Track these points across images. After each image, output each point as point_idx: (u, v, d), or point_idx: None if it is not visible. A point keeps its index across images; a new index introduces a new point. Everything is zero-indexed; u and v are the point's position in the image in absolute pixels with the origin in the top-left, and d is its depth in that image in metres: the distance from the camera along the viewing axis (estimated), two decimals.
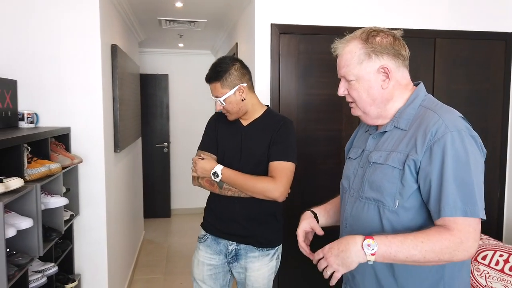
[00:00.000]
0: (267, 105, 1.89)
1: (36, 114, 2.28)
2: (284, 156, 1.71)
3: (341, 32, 2.53)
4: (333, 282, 1.05)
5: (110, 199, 2.57)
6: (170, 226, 5.29)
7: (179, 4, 3.15)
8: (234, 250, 1.78)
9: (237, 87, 1.71)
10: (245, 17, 3.01)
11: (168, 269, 3.89)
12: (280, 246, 1.86)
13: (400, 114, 1.16)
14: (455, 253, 0.99)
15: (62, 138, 2.27)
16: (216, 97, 1.73)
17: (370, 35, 1.14)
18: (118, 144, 2.77)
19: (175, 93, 5.61)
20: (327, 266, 1.05)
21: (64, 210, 2.16)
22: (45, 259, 1.92)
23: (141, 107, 5.00)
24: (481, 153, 1.08)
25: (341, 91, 1.21)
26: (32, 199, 1.63)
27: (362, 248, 1.00)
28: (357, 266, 1.14)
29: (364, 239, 1.01)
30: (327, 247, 1.06)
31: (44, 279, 1.77)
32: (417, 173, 1.07)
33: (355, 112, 1.23)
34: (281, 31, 2.52)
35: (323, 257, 1.06)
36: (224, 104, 1.72)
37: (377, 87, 1.14)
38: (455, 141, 1.03)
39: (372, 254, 1.00)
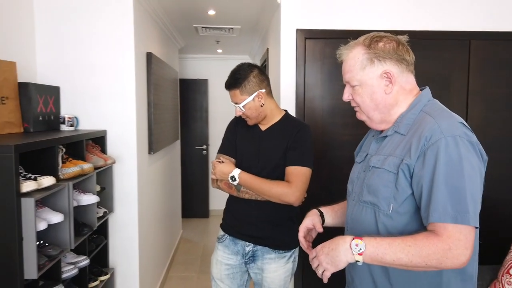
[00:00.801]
0: (285, 110, 1.92)
1: (76, 118, 2.48)
2: (301, 161, 1.74)
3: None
4: (324, 280, 1.09)
5: (142, 198, 2.72)
6: (207, 227, 5.45)
7: (211, 12, 3.27)
8: (251, 251, 1.83)
9: (256, 93, 1.76)
10: (274, 22, 3.06)
11: (202, 268, 4.02)
12: (297, 249, 1.88)
13: (401, 119, 1.16)
14: (443, 260, 0.97)
15: (99, 140, 2.45)
16: (236, 103, 1.79)
17: (373, 40, 1.15)
18: (152, 146, 2.93)
19: (214, 97, 5.77)
20: (319, 265, 1.07)
21: (98, 207, 2.33)
22: (79, 252, 2.09)
23: (181, 111, 5.22)
24: (480, 160, 1.06)
25: (346, 96, 1.23)
26: (65, 196, 1.78)
27: (350, 247, 1.02)
28: (356, 269, 1.15)
29: (353, 239, 1.03)
30: (320, 246, 1.09)
31: (75, 271, 1.92)
32: (412, 178, 1.07)
33: (360, 116, 1.24)
34: (306, 36, 2.54)
35: (316, 256, 1.09)
36: (244, 110, 1.78)
37: (380, 92, 1.15)
38: (449, 146, 1.01)
39: (359, 254, 1.01)
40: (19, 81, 2.10)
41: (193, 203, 5.68)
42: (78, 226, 2.00)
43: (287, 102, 2.58)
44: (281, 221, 1.82)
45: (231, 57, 5.64)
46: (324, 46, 2.56)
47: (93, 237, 2.37)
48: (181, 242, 4.71)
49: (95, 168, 2.17)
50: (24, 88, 2.10)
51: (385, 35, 1.17)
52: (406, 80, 1.16)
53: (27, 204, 1.46)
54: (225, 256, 1.87)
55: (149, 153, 2.93)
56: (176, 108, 4.27)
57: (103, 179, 2.44)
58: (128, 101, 2.53)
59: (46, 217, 1.62)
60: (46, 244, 1.69)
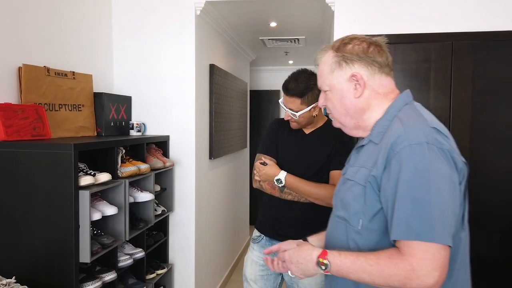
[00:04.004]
0: (327, 115, 1.92)
1: (144, 124, 2.75)
2: None
3: (425, 38, 2.41)
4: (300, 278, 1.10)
5: (200, 200, 2.89)
6: None
7: (273, 24, 3.37)
8: None
9: (314, 105, 1.77)
10: (332, 31, 3.06)
11: None
12: None
13: (375, 126, 1.08)
14: (406, 282, 0.88)
15: (162, 145, 2.68)
16: (291, 109, 1.79)
17: (342, 43, 1.10)
18: (213, 152, 3.10)
19: None
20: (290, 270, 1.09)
21: (158, 206, 2.54)
22: (137, 245, 2.30)
23: (253, 120, 5.40)
24: (453, 169, 0.94)
25: (321, 102, 1.18)
26: (121, 192, 2.00)
27: (317, 265, 1.01)
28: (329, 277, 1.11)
29: (318, 257, 1.01)
30: (287, 255, 1.09)
31: (130, 261, 2.12)
32: (380, 191, 0.98)
33: (335, 123, 1.19)
34: None
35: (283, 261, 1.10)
36: (297, 117, 1.79)
37: (349, 96, 1.08)
38: (415, 155, 0.92)
39: (326, 272, 1.00)
40: (94, 91, 2.41)
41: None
42: (135, 221, 2.21)
43: None
44: (321, 224, 1.80)
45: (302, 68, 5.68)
46: None
47: (153, 233, 2.58)
48: (247, 247, 4.82)
49: (154, 169, 2.38)
50: (98, 97, 2.41)
51: (356, 36, 1.10)
52: (379, 83, 1.07)
53: (84, 196, 1.68)
54: (260, 257, 1.90)
55: (210, 158, 3.10)
56: (244, 117, 4.44)
57: (164, 180, 2.66)
58: (189, 109, 2.73)
59: (102, 209, 1.84)
60: (102, 233, 1.90)
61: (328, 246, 1.16)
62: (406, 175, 0.91)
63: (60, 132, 2.08)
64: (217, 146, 3.19)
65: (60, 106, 2.11)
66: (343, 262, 0.97)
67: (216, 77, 3.13)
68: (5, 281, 1.48)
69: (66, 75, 2.15)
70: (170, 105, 2.74)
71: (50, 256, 1.67)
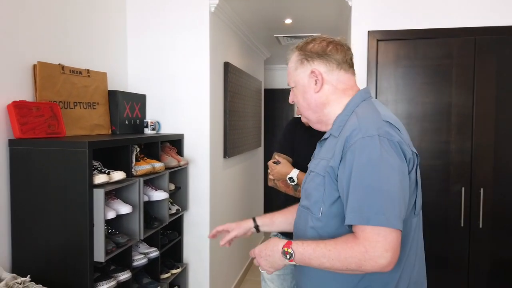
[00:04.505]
0: None
1: (158, 122, 2.73)
2: None
3: (447, 33, 2.33)
4: (269, 273, 1.14)
5: (215, 199, 2.86)
6: None
7: (288, 21, 3.32)
8: None
9: None
10: (349, 27, 2.99)
11: None
12: None
13: (335, 121, 1.16)
14: (361, 263, 0.95)
15: (176, 143, 2.65)
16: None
17: (305, 43, 1.19)
18: (227, 151, 3.07)
19: None
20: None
21: (172, 205, 2.52)
22: (151, 244, 2.28)
23: (267, 119, 5.35)
24: (402, 160, 1.02)
25: (290, 98, 1.27)
26: (135, 191, 1.98)
27: (282, 254, 1.06)
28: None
29: (283, 247, 1.06)
30: (257, 249, 1.14)
31: (145, 260, 2.10)
32: (337, 181, 1.06)
33: (302, 118, 1.29)
34: (379, 38, 2.43)
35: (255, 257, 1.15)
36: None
37: (310, 91, 1.17)
38: (367, 146, 1.00)
39: (290, 261, 1.05)
40: (109, 89, 2.40)
41: (276, 209, 5.73)
42: (150, 220, 2.19)
43: None
44: None
45: None
46: (399, 48, 2.42)
47: (167, 232, 2.56)
48: None
49: (169, 168, 2.35)
50: (113, 95, 2.39)
51: (318, 37, 1.19)
52: (337, 78, 1.16)
53: (98, 194, 1.66)
54: None
55: (224, 157, 3.07)
56: (258, 116, 4.40)
57: (178, 179, 2.64)
58: (204, 107, 2.70)
59: (116, 208, 1.82)
60: (117, 232, 1.88)
61: (294, 234, 1.23)
62: (359, 165, 0.99)
63: (75, 130, 2.08)
64: (231, 145, 3.15)
65: (75, 104, 2.10)
66: (306, 250, 1.03)
67: (230, 75, 3.09)
68: (20, 279, 1.47)
69: (80, 72, 2.14)
70: (185, 103, 2.72)
71: (64, 255, 1.66)
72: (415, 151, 1.10)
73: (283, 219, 1.45)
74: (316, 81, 1.16)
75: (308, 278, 1.16)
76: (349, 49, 1.18)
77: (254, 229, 1.44)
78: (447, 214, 2.40)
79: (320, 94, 1.16)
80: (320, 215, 1.09)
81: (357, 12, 2.49)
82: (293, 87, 1.23)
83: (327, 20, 3.28)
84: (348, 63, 1.17)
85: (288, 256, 1.05)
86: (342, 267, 0.98)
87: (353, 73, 1.19)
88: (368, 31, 2.45)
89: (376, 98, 2.46)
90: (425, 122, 2.42)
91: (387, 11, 2.44)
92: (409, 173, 1.03)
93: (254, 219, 1.45)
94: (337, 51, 1.15)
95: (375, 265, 0.94)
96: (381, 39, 2.43)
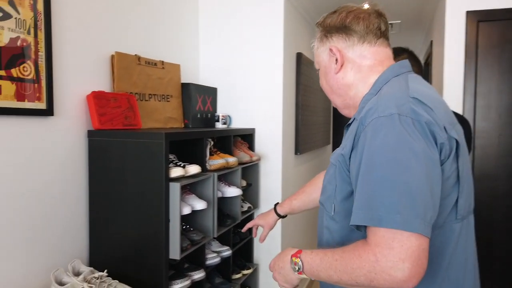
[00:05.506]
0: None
1: (229, 116, 2.64)
2: None
3: None
4: None
5: (286, 197, 2.70)
6: None
7: (365, 6, 3.06)
8: None
9: None
10: (439, 9, 2.68)
11: None
12: None
13: (361, 102, 0.96)
14: (372, 277, 0.73)
15: (248, 138, 2.54)
16: None
17: (326, 16, 1.03)
18: (299, 147, 2.90)
19: None
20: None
21: (244, 202, 2.41)
22: (223, 242, 2.18)
23: (336, 115, 5.09)
24: (431, 144, 0.78)
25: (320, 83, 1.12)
26: (210, 186, 1.88)
27: (291, 265, 0.90)
28: None
29: (292, 256, 0.90)
30: (272, 262, 0.99)
31: (218, 259, 2.00)
32: (350, 172, 0.86)
33: (333, 105, 1.12)
34: (479, 19, 2.12)
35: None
36: None
37: (331, 72, 1.01)
38: (382, 128, 0.78)
39: (299, 273, 0.88)
40: (182, 82, 2.34)
41: None
42: (223, 217, 2.09)
43: (452, 97, 2.20)
44: None
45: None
46: (504, 29, 2.09)
47: (238, 230, 2.45)
48: None
49: (241, 163, 2.24)
50: (186, 88, 2.33)
51: (342, 7, 1.01)
52: (360, 54, 0.97)
53: (174, 188, 1.58)
54: None
55: (296, 154, 2.91)
56: (327, 111, 4.18)
57: (249, 176, 2.52)
58: (276, 101, 2.56)
59: (192, 203, 1.73)
60: (191, 228, 1.80)
61: (318, 236, 1.06)
62: (370, 151, 0.78)
63: (149, 123, 2.03)
64: (303, 141, 2.98)
65: (150, 96, 2.05)
66: (313, 260, 0.85)
67: (303, 67, 2.92)
68: (97, 274, 1.42)
69: (155, 64, 2.09)
70: (256, 96, 2.60)
71: (139, 250, 1.60)
72: (456, 137, 0.84)
73: (300, 204, 1.41)
74: (336, 60, 0.99)
75: None
76: (378, 16, 0.97)
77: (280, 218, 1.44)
78: None
79: (342, 74, 0.99)
80: (333, 213, 0.92)
81: None
82: (318, 70, 1.08)
83: (409, 3, 2.98)
84: (374, 33, 0.96)
85: (296, 268, 0.88)
86: (351, 281, 0.77)
87: (385, 45, 0.98)
88: (467, 12, 2.15)
89: (475, 87, 2.16)
90: None
91: None
92: (442, 164, 0.80)
93: (275, 209, 1.46)
94: (358, 22, 0.96)
95: (388, 279, 0.72)
96: (483, 20, 2.12)
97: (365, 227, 0.79)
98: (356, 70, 0.98)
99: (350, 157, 0.86)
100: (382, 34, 0.98)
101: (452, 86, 2.20)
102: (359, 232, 0.82)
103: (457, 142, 0.83)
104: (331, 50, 0.99)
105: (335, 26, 0.99)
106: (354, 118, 0.93)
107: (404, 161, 0.75)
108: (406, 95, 0.84)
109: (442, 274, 0.84)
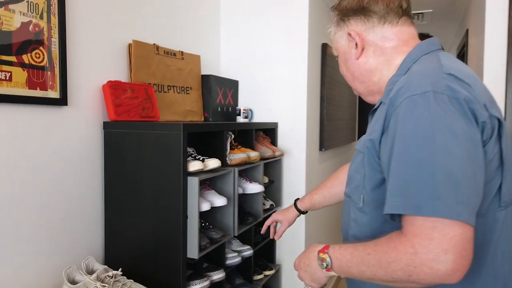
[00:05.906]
0: None
1: (251, 110, 2.53)
2: None
3: None
4: None
5: None
6: None
7: None
8: None
9: None
10: None
11: None
12: None
13: (387, 85, 0.89)
14: (410, 271, 0.66)
15: (270, 132, 2.43)
16: None
17: (341, 0, 0.97)
18: (324, 143, 2.77)
19: None
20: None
21: (266, 199, 2.30)
22: (244, 241, 2.08)
23: (362, 110, 4.91)
24: (472, 123, 0.70)
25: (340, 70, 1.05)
26: (230, 181, 1.78)
27: (318, 262, 0.84)
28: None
29: (319, 252, 0.83)
30: (297, 260, 0.93)
31: (238, 259, 1.90)
32: (380, 159, 0.78)
33: (354, 92, 1.05)
34: None
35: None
36: None
37: (351, 58, 0.95)
38: (415, 107, 0.70)
39: (327, 270, 0.81)
40: (202, 73, 2.25)
41: None
42: (243, 215, 1.99)
43: (493, 88, 2.02)
44: None
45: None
46: None
47: (259, 229, 2.35)
48: None
49: (263, 159, 2.14)
50: (206, 80, 2.24)
51: None
52: (382, 36, 0.90)
53: (193, 183, 1.48)
54: None
55: (320, 150, 2.78)
56: (353, 106, 4.02)
57: (272, 172, 2.41)
58: (300, 94, 2.44)
59: (211, 199, 1.63)
60: (210, 226, 1.70)
61: (343, 229, 0.98)
62: (404, 133, 0.71)
63: (168, 115, 1.95)
64: (327, 137, 2.84)
65: (169, 87, 1.97)
66: (343, 255, 0.79)
67: (328, 59, 2.78)
68: (111, 272, 1.34)
69: (175, 54, 2.01)
70: (279, 89, 2.48)
71: (156, 248, 1.51)
72: (498, 115, 0.75)
73: (321, 199, 1.37)
74: (356, 44, 0.93)
75: None
76: None
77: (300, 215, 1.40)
78: None
79: (364, 59, 0.93)
80: (361, 204, 0.85)
81: None
82: (337, 57, 1.01)
83: None
84: (395, 12, 0.89)
85: (324, 265, 0.81)
86: (387, 276, 0.70)
87: (408, 23, 0.91)
88: None
89: None
90: None
91: None
92: (484, 145, 0.72)
93: (296, 205, 1.41)
94: (376, 1, 0.90)
95: (430, 272, 0.64)
96: None
97: (400, 216, 0.71)
98: (378, 53, 0.92)
99: (380, 142, 0.78)
100: (404, 12, 0.90)
101: (493, 75, 2.02)
102: (393, 223, 0.75)
103: (499, 121, 0.75)
104: (349, 34, 0.94)
105: (352, 9, 0.94)
106: (381, 102, 0.86)
107: (442, 141, 0.67)
108: (440, 71, 0.76)
109: (487, 268, 0.77)
